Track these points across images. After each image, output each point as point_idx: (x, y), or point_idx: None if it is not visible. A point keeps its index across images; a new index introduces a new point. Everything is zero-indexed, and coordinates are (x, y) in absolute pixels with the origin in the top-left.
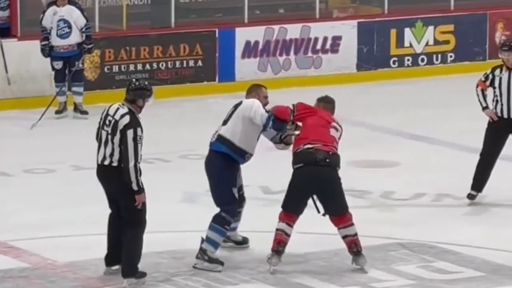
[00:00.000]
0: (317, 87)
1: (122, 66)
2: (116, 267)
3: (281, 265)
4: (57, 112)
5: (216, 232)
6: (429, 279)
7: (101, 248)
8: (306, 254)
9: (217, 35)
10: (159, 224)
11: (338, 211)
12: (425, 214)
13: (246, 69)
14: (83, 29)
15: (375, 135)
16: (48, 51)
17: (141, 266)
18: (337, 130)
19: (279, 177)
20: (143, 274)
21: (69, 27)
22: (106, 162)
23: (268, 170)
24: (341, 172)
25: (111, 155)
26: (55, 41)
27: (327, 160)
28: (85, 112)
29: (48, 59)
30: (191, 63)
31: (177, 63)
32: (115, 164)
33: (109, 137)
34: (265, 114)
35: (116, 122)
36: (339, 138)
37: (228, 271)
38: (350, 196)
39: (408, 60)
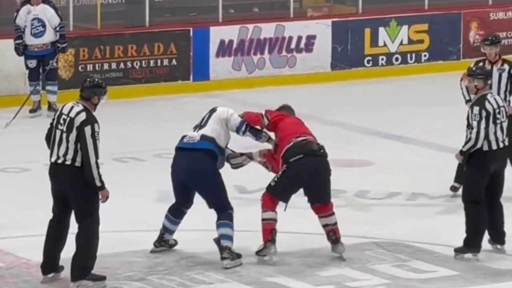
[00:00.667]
0: (291, 86)
1: (97, 65)
2: (52, 274)
3: (256, 264)
4: (31, 111)
5: (230, 228)
6: (404, 278)
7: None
8: (280, 253)
9: (191, 34)
10: (133, 223)
11: (323, 199)
12: (399, 213)
13: (220, 68)
14: (57, 28)
15: (350, 134)
16: (22, 50)
17: (115, 265)
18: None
19: (255, 176)
20: (101, 278)
21: (43, 26)
22: (60, 161)
23: (243, 170)
24: None
25: (65, 154)
26: (29, 40)
27: (322, 151)
28: None
29: (22, 58)
30: (166, 62)
31: (152, 62)
32: (68, 162)
33: (64, 135)
34: (239, 119)
35: (72, 119)
36: None
37: (203, 270)
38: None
39: (383, 59)
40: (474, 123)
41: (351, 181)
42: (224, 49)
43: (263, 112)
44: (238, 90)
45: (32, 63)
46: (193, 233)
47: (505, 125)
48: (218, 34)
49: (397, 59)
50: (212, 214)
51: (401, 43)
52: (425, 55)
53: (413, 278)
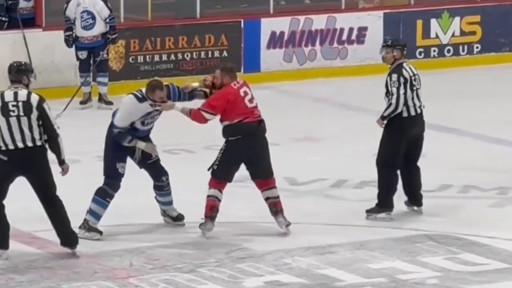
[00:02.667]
0: (342, 78)
1: (147, 57)
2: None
3: (306, 256)
4: (81, 102)
5: (98, 204)
6: (455, 271)
7: (126, 238)
8: (331, 246)
9: (242, 25)
10: (183, 215)
11: (265, 175)
12: (451, 206)
13: (271, 60)
14: (107, 20)
15: None
16: (72, 41)
17: (165, 257)
18: (249, 90)
19: (305, 168)
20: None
21: (93, 18)
22: (30, 144)
23: (294, 162)
24: (365, 164)
25: (32, 135)
26: (79, 32)
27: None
28: (110, 103)
29: (72, 49)
30: (216, 53)
31: (202, 53)
32: (39, 143)
33: (23, 119)
34: (116, 119)
35: (27, 102)
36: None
37: (253, 262)
38: (375, 187)
39: (434, 51)
40: (394, 90)
41: None
42: (275, 40)
43: (208, 110)
44: (289, 82)
45: (83, 54)
46: (243, 225)
47: (420, 92)
48: (269, 25)
49: (449, 50)
50: (262, 206)
51: (453, 35)
52: (477, 47)
53: (464, 271)
